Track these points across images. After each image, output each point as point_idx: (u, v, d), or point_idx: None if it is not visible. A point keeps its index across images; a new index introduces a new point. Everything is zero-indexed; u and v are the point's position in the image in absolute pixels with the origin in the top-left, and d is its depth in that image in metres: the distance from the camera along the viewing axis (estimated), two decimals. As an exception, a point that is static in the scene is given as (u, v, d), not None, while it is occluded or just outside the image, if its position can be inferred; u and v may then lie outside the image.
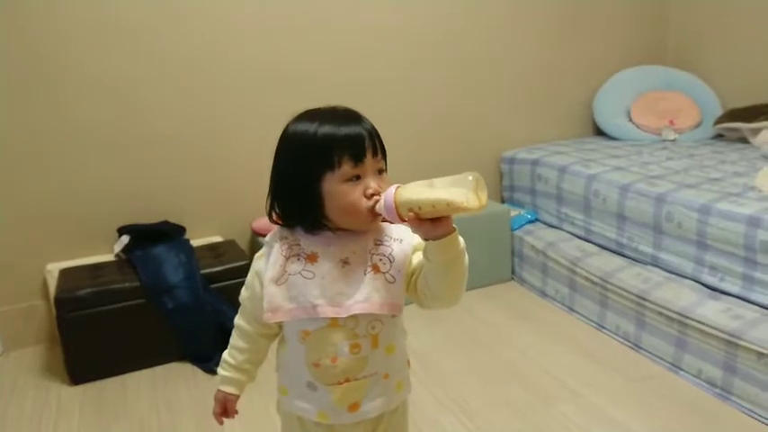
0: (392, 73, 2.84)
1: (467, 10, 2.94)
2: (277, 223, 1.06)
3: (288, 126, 1.02)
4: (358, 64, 2.77)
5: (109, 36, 2.36)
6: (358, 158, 0.97)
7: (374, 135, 1.00)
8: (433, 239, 0.92)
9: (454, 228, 0.92)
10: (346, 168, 0.97)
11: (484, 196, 0.87)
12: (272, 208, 1.04)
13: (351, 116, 1.01)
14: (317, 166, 0.97)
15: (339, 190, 0.97)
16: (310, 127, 0.99)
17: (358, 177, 0.98)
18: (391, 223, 1.00)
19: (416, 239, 1.03)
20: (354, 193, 0.97)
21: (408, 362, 1.15)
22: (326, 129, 0.97)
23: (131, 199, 2.50)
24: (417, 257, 1.01)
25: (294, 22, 2.62)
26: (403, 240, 1.03)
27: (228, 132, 2.60)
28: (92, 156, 2.42)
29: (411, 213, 0.91)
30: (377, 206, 0.95)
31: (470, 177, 0.86)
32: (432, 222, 0.90)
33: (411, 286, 1.02)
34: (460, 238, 0.94)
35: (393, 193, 0.92)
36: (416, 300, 1.03)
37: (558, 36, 3.18)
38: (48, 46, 2.29)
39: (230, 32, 2.53)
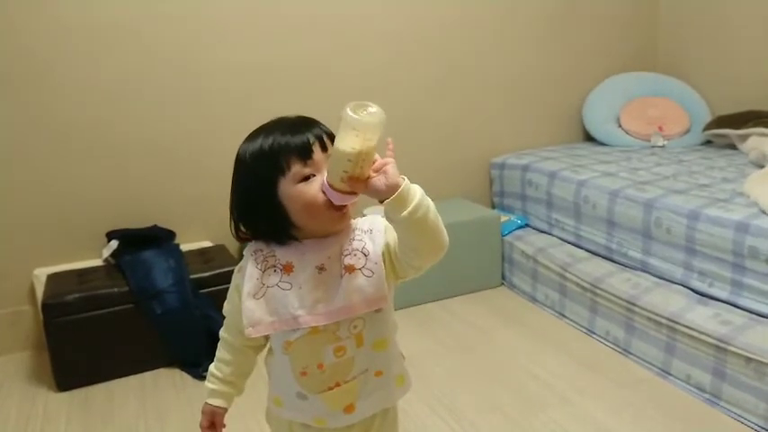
0: (382, 78, 2.84)
1: (456, 15, 2.95)
2: (245, 240, 1.06)
3: (239, 148, 1.03)
4: (346, 69, 2.77)
5: (96, 39, 2.35)
6: (305, 156, 0.97)
7: (322, 132, 1.00)
8: (388, 197, 0.89)
9: (402, 179, 0.90)
10: (297, 168, 0.97)
11: (368, 116, 0.87)
12: (237, 229, 1.04)
13: (297, 121, 1.02)
14: (269, 175, 0.98)
15: (295, 191, 0.97)
16: (256, 141, 1.00)
17: (313, 176, 0.98)
18: (345, 208, 0.99)
19: (382, 222, 1.02)
20: (311, 190, 0.97)
21: (402, 355, 1.13)
22: (270, 138, 0.99)
23: (120, 203, 2.49)
24: (388, 236, 1.01)
25: (281, 27, 2.62)
26: (372, 230, 1.03)
27: (219, 136, 2.59)
28: (80, 160, 2.41)
29: (347, 182, 0.90)
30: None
31: (348, 112, 0.87)
32: (372, 181, 0.89)
33: (395, 261, 1.00)
34: (415, 188, 0.91)
35: (324, 176, 0.94)
36: (406, 269, 1.00)
37: (548, 42, 3.19)
38: (35, 50, 2.28)
39: (220, 36, 2.53)
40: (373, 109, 0.89)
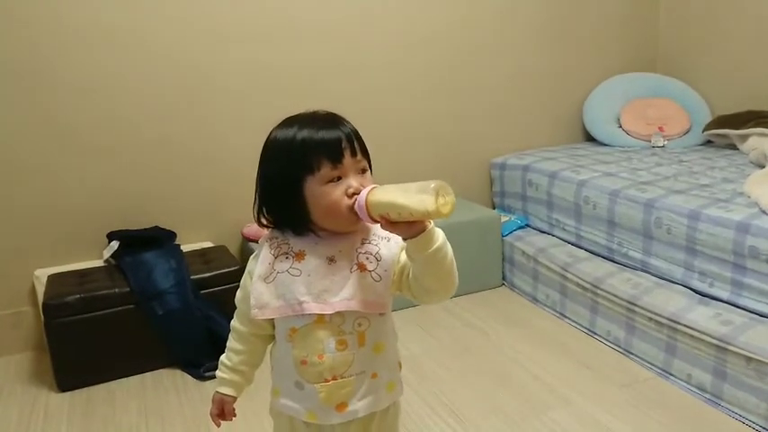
0: (381, 79, 2.84)
1: (457, 16, 2.95)
2: (267, 226, 1.08)
3: (270, 133, 1.05)
4: (348, 70, 2.77)
5: (98, 40, 2.35)
6: (336, 160, 0.99)
7: (353, 136, 1.02)
8: (410, 238, 0.93)
9: (428, 224, 0.92)
10: (326, 170, 0.99)
11: (446, 204, 0.88)
12: (260, 213, 1.06)
13: (329, 119, 1.03)
14: (297, 171, 1.00)
15: (321, 192, 0.99)
16: (289, 132, 1.01)
17: (339, 178, 1.00)
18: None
19: None
20: (335, 193, 0.99)
21: (399, 364, 1.15)
22: (304, 133, 1.00)
23: (121, 204, 2.49)
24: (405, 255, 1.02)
25: (284, 28, 2.62)
26: (390, 239, 1.04)
27: (220, 137, 2.59)
28: (81, 160, 2.41)
29: (380, 218, 0.93)
30: (355, 206, 0.97)
31: (432, 185, 0.87)
32: (406, 223, 0.91)
33: (404, 283, 1.02)
34: (439, 231, 0.94)
35: (366, 195, 0.94)
36: (411, 296, 1.03)
37: (549, 42, 3.20)
38: (35, 50, 2.28)
39: (220, 38, 2.53)
40: (446, 208, 0.88)
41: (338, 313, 1.01)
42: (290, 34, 2.64)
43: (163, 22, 2.43)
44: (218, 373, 1.15)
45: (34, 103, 2.31)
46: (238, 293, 1.12)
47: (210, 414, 1.16)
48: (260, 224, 1.07)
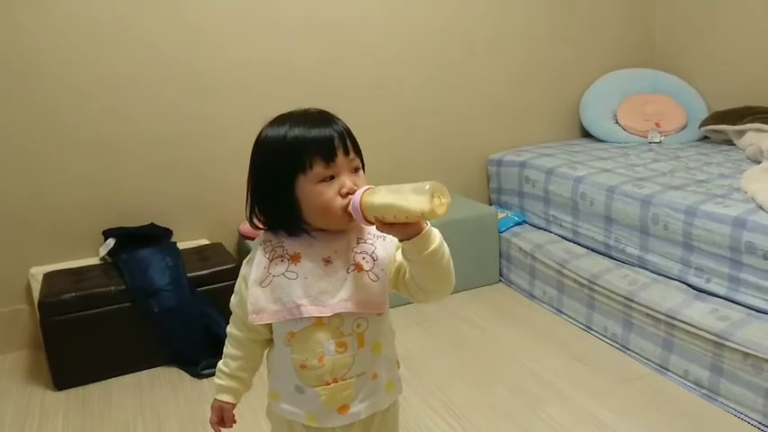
0: (378, 75, 2.84)
1: (453, 12, 2.95)
2: (259, 228, 1.06)
3: (261, 131, 1.03)
4: (344, 66, 2.76)
5: (94, 38, 2.34)
6: (329, 159, 0.97)
7: (345, 134, 1.00)
8: (406, 239, 0.92)
9: (424, 225, 0.92)
10: (318, 169, 0.97)
11: (441, 205, 0.87)
12: (251, 213, 1.05)
13: (321, 117, 1.02)
14: (289, 170, 0.98)
15: (313, 191, 0.98)
16: (281, 130, 1.00)
17: (332, 177, 0.98)
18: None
19: None
20: (329, 193, 0.98)
21: (398, 362, 1.14)
22: (296, 131, 0.98)
23: (117, 202, 2.48)
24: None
25: (280, 24, 2.61)
26: (386, 237, 1.03)
27: (216, 135, 2.58)
28: (77, 158, 2.40)
29: (375, 220, 0.92)
30: (349, 206, 0.96)
31: (427, 186, 0.87)
32: (402, 225, 0.90)
33: (401, 282, 1.02)
34: (436, 232, 0.94)
35: (360, 196, 0.93)
36: (408, 295, 1.03)
37: (546, 38, 3.19)
38: (32, 48, 2.26)
39: (215, 35, 2.52)
40: (441, 209, 0.88)
41: (337, 315, 1.00)
42: (288, 33, 2.63)
43: (162, 21, 2.42)
44: (216, 380, 1.13)
45: (30, 100, 2.30)
46: (233, 299, 1.10)
47: (210, 422, 1.14)
48: (252, 225, 1.06)
